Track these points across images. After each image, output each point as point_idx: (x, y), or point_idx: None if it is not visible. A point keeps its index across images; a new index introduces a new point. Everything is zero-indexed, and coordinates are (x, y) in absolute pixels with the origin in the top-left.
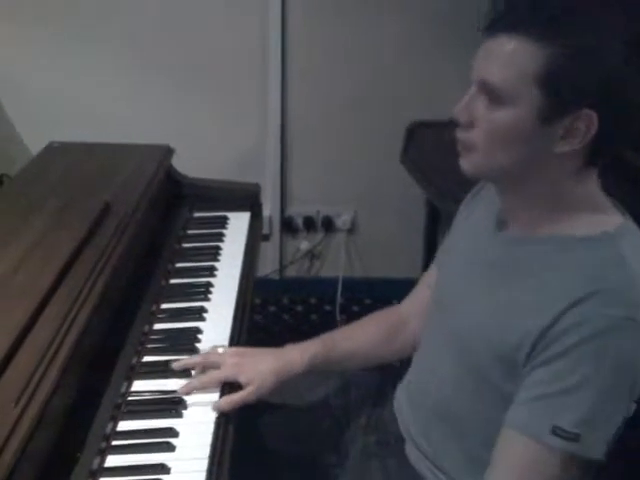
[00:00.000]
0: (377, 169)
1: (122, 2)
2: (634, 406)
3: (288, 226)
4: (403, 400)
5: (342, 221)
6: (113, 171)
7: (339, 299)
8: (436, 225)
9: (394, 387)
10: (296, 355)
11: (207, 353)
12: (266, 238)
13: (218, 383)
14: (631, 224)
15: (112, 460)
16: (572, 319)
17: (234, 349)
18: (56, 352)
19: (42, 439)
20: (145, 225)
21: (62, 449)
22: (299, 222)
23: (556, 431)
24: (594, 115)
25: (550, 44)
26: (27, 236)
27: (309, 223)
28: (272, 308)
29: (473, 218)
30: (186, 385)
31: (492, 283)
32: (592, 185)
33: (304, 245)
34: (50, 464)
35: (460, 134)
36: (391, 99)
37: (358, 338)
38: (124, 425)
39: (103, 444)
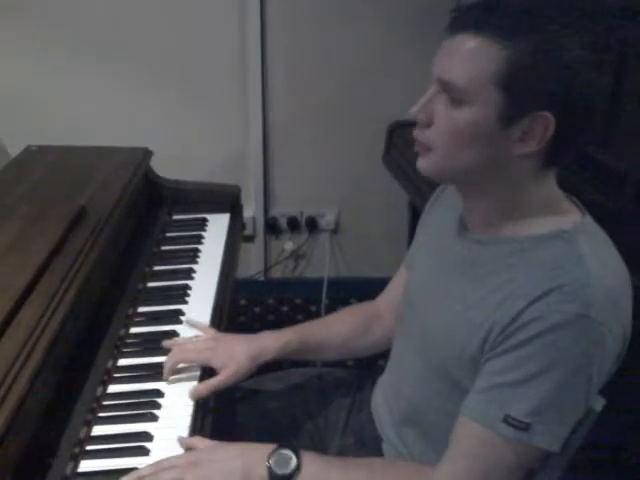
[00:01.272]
0: (360, 169)
1: (103, 6)
2: (602, 402)
3: (272, 227)
4: (379, 400)
5: (326, 221)
6: (90, 174)
7: (324, 299)
8: None
9: (372, 387)
10: (270, 340)
11: (183, 342)
12: (250, 239)
13: (190, 362)
14: (590, 222)
15: (86, 465)
16: (530, 315)
17: (209, 335)
18: (28, 356)
19: (14, 444)
20: (122, 228)
21: (35, 454)
22: (283, 223)
23: (508, 420)
24: (551, 117)
25: (509, 45)
26: (1, 241)
27: (293, 224)
28: (257, 309)
29: (438, 219)
30: (164, 369)
31: (457, 285)
32: (550, 185)
33: (288, 246)
34: (22, 470)
35: (418, 133)
36: (372, 99)
37: (332, 329)
38: (98, 430)
39: (77, 449)
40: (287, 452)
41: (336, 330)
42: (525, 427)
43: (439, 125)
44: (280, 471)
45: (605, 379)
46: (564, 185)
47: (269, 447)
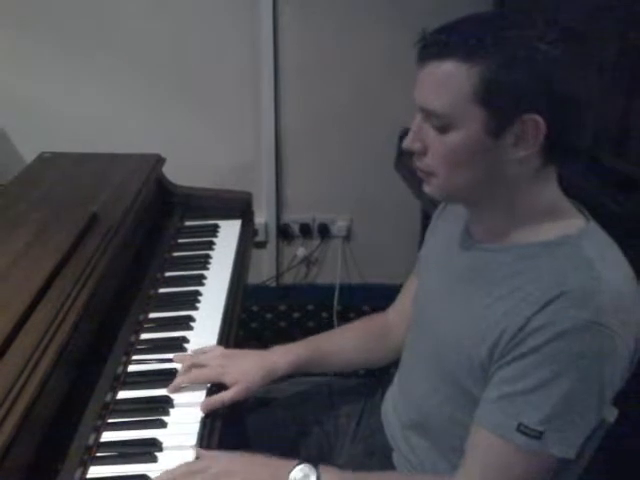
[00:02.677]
0: (372, 176)
1: (116, 13)
2: (615, 411)
3: (284, 233)
4: (389, 409)
5: (338, 228)
6: (103, 181)
7: (336, 306)
8: None
9: (382, 395)
10: (280, 356)
11: (195, 354)
12: (262, 245)
13: (203, 381)
14: (594, 227)
15: (94, 471)
16: (539, 321)
17: (220, 351)
18: (39, 361)
19: (23, 449)
20: (133, 235)
21: (44, 459)
22: (295, 229)
23: (521, 428)
24: (539, 118)
25: (477, 62)
26: (13, 246)
27: (305, 230)
28: (269, 315)
29: (444, 230)
30: (172, 385)
31: (463, 293)
32: (552, 189)
33: (300, 252)
34: (31, 475)
35: (417, 162)
36: (384, 106)
37: (341, 342)
38: (107, 436)
39: (85, 455)
40: (307, 467)
41: (344, 345)
42: (538, 435)
43: (433, 152)
44: None
45: (618, 385)
46: (576, 192)
47: (291, 463)
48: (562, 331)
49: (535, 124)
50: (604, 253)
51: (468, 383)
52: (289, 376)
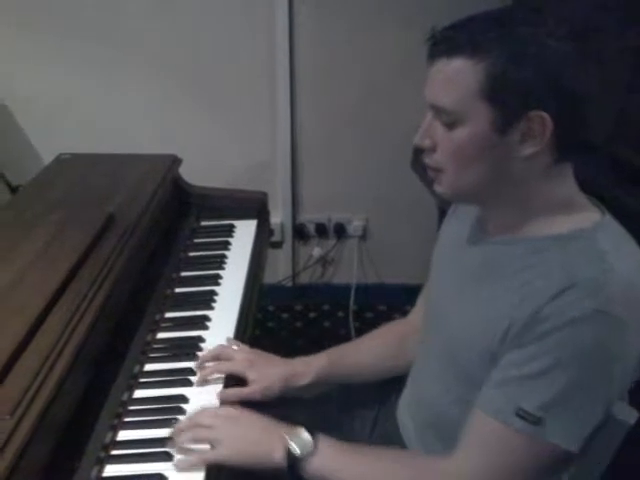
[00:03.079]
0: (388, 175)
1: (132, 13)
2: (634, 412)
3: (300, 233)
4: (404, 410)
5: (354, 227)
6: (119, 182)
7: (352, 305)
8: None
9: (398, 396)
10: (303, 367)
11: (222, 347)
12: (278, 245)
13: (227, 373)
14: (610, 220)
15: (110, 469)
16: (549, 310)
17: (248, 348)
18: (56, 361)
19: (40, 447)
20: (150, 235)
21: (61, 458)
22: (311, 229)
23: (519, 413)
24: (545, 115)
25: (483, 58)
26: (30, 248)
27: (321, 230)
28: (285, 315)
29: (456, 228)
30: (200, 376)
31: (475, 292)
32: (567, 184)
33: (316, 252)
34: (48, 473)
35: (427, 159)
36: (401, 104)
37: (364, 353)
38: (124, 435)
39: (102, 454)
40: (305, 434)
41: (367, 355)
42: (536, 421)
43: (442, 148)
44: (298, 452)
45: (629, 381)
46: (592, 187)
47: (289, 430)
48: (570, 319)
49: (542, 121)
50: (619, 245)
51: (481, 379)
52: None
